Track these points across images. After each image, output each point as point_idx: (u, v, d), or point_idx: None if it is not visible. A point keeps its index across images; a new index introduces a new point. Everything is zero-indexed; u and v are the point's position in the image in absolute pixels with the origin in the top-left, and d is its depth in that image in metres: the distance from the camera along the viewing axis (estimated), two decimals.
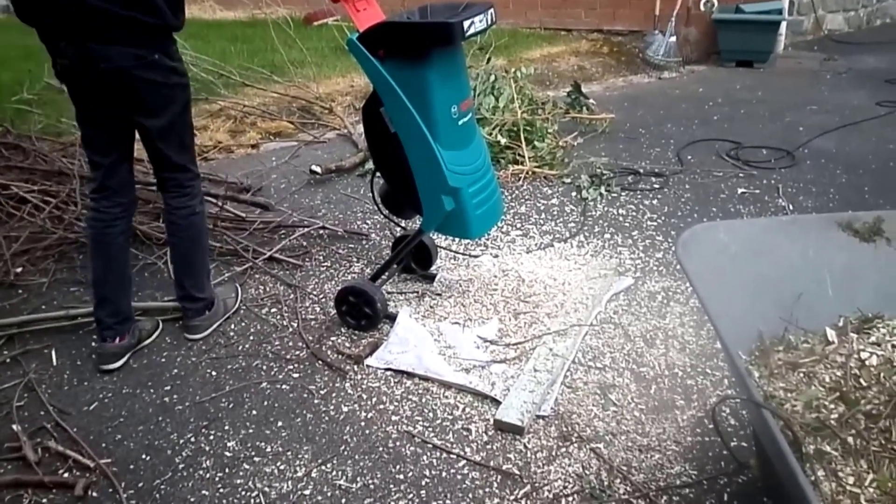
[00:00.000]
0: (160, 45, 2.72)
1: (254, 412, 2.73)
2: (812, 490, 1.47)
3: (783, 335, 2.15)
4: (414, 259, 3.55)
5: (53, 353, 3.11)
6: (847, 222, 2.28)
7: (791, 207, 4.31)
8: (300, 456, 2.50)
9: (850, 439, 1.77)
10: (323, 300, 3.44)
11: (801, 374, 1.98)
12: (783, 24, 8.07)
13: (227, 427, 2.66)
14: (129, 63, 2.65)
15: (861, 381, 1.90)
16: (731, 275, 2.14)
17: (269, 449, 2.54)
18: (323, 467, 2.45)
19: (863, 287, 2.22)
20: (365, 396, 2.78)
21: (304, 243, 3.98)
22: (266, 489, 2.36)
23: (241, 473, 2.44)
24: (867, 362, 1.95)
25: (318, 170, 4.90)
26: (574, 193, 4.60)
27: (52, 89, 6.08)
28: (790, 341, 2.14)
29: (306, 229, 4.04)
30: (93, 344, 3.10)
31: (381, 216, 3.70)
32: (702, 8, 8.09)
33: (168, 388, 2.88)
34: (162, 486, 2.39)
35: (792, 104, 6.46)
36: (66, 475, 2.44)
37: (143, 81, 2.70)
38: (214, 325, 3.23)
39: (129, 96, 2.73)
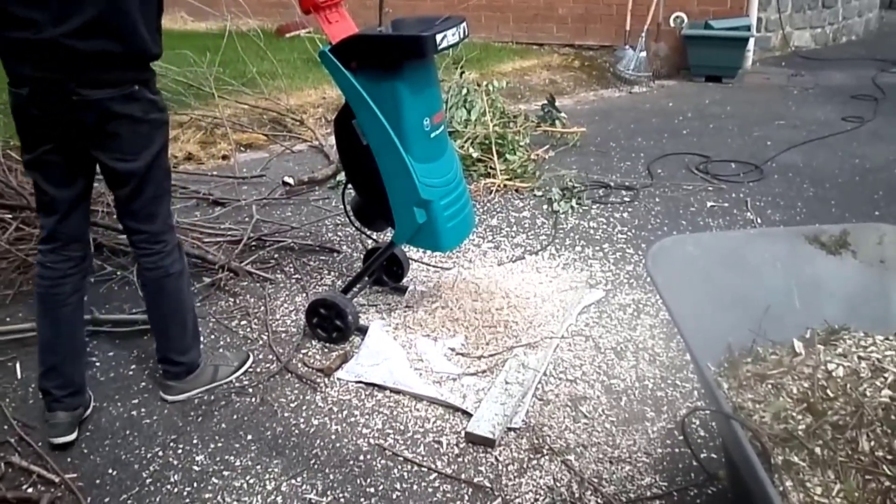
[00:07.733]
0: (139, 76, 2.41)
1: (223, 425, 2.70)
2: (780, 500, 1.48)
3: (752, 347, 2.17)
4: (385, 271, 3.55)
5: (18, 365, 3.06)
6: (814, 235, 2.31)
7: (759, 221, 4.36)
8: (270, 470, 2.48)
9: (818, 450, 1.78)
10: (293, 313, 3.42)
11: (770, 386, 2.00)
12: (751, 41, 8.19)
13: (195, 441, 2.63)
14: (107, 95, 2.33)
15: (828, 392, 1.92)
16: (701, 287, 2.16)
17: (238, 463, 2.52)
18: (293, 481, 2.42)
19: (829, 299, 2.25)
20: (336, 409, 2.76)
21: (275, 255, 3.96)
22: (235, 503, 2.34)
23: (209, 488, 2.41)
24: (834, 374, 1.97)
25: (290, 181, 4.89)
26: (545, 206, 4.62)
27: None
28: (758, 353, 2.16)
29: (277, 242, 4.02)
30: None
31: (353, 228, 3.69)
32: (672, 24, 8.19)
33: (135, 401, 2.84)
34: (128, 501, 2.36)
35: (760, 119, 6.55)
36: (30, 490, 2.40)
37: (121, 117, 2.38)
38: (193, 392, 2.85)
39: (100, 135, 2.39)
